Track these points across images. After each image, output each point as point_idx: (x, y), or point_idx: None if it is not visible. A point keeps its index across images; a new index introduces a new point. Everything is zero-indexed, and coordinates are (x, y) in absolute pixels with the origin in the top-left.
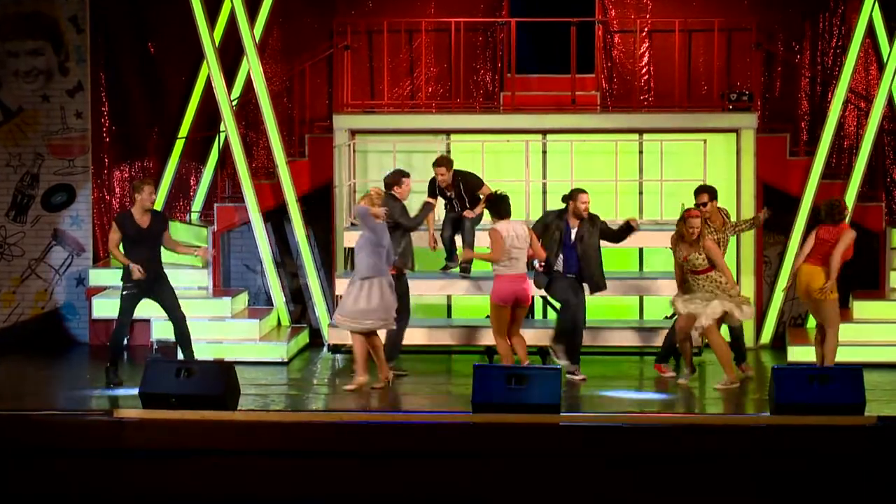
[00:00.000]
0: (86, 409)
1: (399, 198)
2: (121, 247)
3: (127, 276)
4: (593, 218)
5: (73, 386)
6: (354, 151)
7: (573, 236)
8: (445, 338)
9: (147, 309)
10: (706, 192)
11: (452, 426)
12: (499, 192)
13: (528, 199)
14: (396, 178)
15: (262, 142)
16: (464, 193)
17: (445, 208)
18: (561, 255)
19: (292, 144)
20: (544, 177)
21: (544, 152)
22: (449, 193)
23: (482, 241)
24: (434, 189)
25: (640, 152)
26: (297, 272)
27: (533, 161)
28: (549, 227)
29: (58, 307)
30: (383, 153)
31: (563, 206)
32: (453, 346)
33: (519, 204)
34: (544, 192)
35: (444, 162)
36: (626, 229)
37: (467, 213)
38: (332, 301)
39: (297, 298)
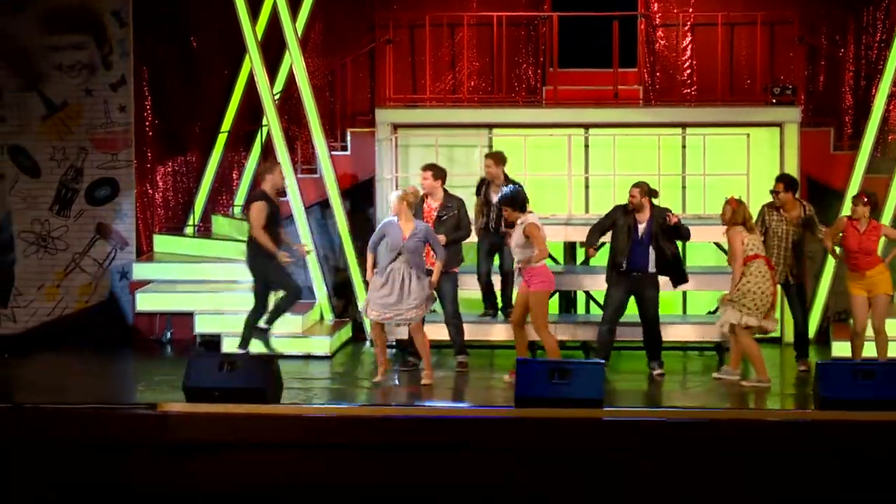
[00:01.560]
0: (130, 403)
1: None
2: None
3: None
4: (659, 211)
5: (118, 380)
6: (397, 146)
7: (642, 231)
8: (489, 333)
9: (190, 302)
10: (782, 182)
11: (495, 421)
12: (516, 184)
13: (570, 194)
14: (441, 173)
15: (305, 136)
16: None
17: (484, 228)
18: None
19: (334, 139)
20: (586, 171)
21: (587, 146)
22: (494, 196)
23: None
24: (481, 189)
25: (683, 146)
26: (339, 266)
27: (575, 155)
28: (616, 223)
29: (109, 300)
30: (425, 147)
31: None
32: (495, 341)
33: (561, 198)
34: (587, 187)
35: (493, 155)
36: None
37: (510, 239)
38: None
39: (340, 293)
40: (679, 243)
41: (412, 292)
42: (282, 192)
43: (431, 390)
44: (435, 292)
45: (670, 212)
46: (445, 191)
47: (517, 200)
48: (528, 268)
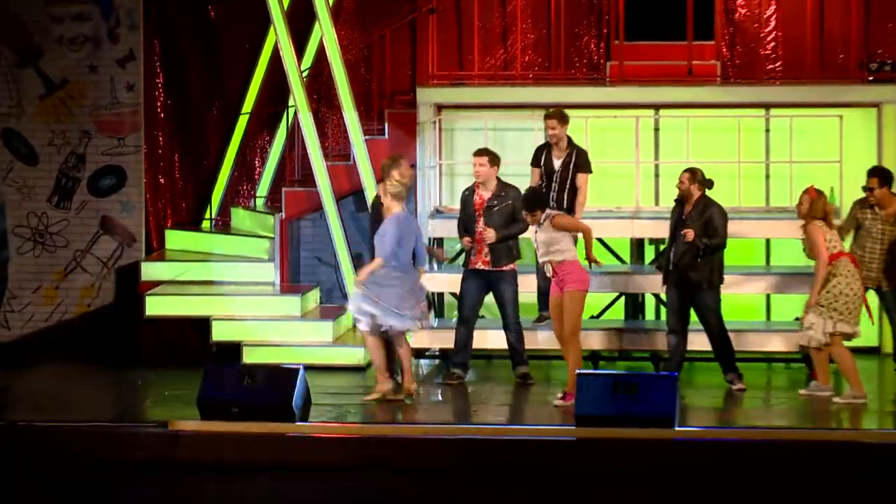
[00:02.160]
0: (138, 421)
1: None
2: None
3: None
4: (707, 205)
5: (124, 394)
6: (440, 129)
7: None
8: (539, 340)
9: (206, 306)
10: (876, 176)
11: (552, 443)
12: (580, 149)
13: (637, 184)
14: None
15: (336, 118)
16: (571, 171)
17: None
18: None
19: (370, 121)
20: (657, 158)
21: (656, 130)
22: (556, 162)
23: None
24: (539, 158)
25: (767, 130)
26: None
27: (643, 140)
28: (670, 219)
29: (115, 303)
30: (473, 131)
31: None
32: (551, 350)
33: (628, 189)
34: (656, 176)
35: (557, 114)
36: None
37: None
38: None
39: None
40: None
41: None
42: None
43: (479, 407)
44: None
45: (717, 210)
46: (499, 179)
47: (538, 199)
48: (562, 264)
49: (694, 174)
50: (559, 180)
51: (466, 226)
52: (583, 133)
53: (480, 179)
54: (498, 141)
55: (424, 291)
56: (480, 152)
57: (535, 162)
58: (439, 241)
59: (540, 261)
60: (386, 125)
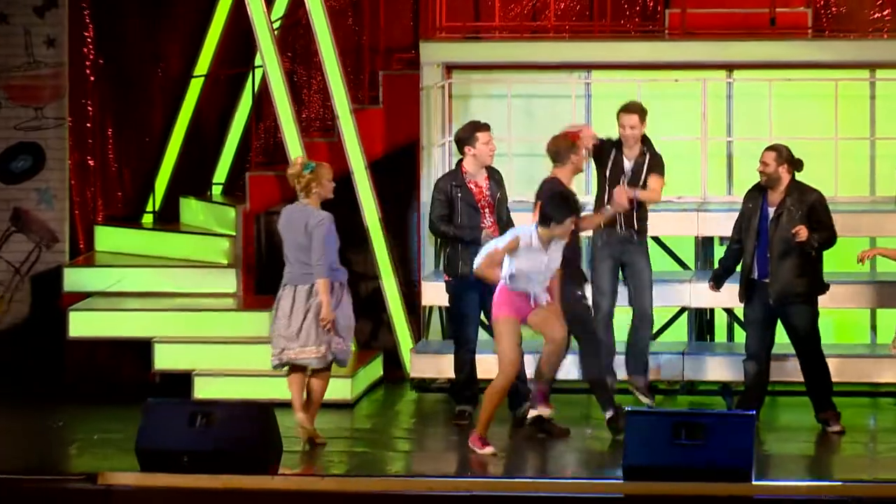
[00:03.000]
0: (60, 473)
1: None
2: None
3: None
4: (802, 190)
5: (41, 437)
6: (451, 96)
7: (770, 218)
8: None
9: (147, 325)
10: None
11: (596, 501)
12: (655, 150)
13: (704, 167)
14: (468, 132)
15: (317, 82)
16: (644, 174)
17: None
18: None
19: (360, 86)
20: (729, 133)
21: (729, 97)
22: (627, 163)
23: None
24: (605, 157)
25: (872, 97)
26: (367, 272)
27: (712, 109)
28: (744, 211)
29: (30, 320)
30: (492, 99)
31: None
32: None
33: (692, 173)
34: (729, 157)
35: (638, 109)
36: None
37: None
38: (417, 314)
39: (368, 310)
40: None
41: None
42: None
43: (504, 455)
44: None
45: (819, 196)
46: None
47: (570, 205)
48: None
49: (780, 153)
50: (628, 184)
51: (464, 223)
52: (634, 100)
53: (492, 161)
54: (525, 111)
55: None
56: (488, 126)
57: (597, 159)
58: (447, 241)
59: (535, 290)
60: (380, 91)
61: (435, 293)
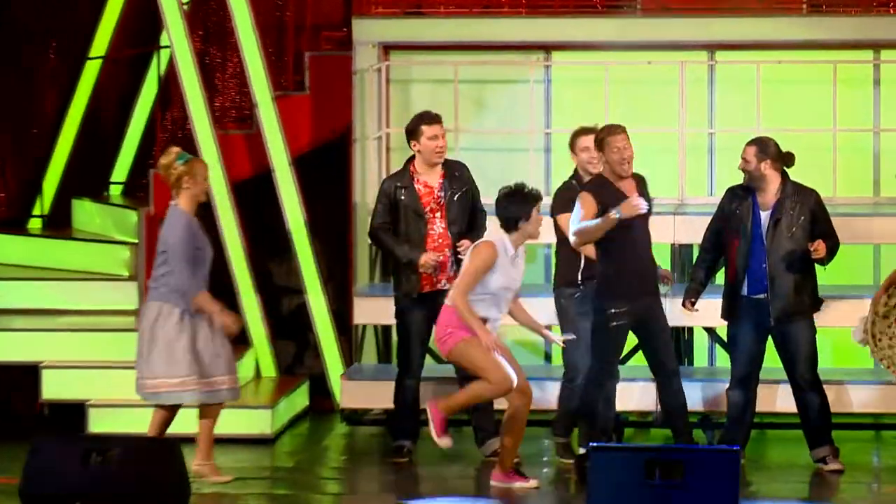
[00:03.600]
0: None
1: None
2: None
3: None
4: (800, 191)
5: None
6: (388, 81)
7: (764, 223)
8: (543, 397)
9: (33, 348)
10: None
11: None
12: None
13: (683, 163)
14: (412, 124)
15: (233, 65)
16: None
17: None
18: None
19: (283, 69)
20: (711, 125)
21: (712, 82)
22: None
23: None
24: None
25: (876, 82)
26: (290, 285)
27: (692, 97)
28: (726, 214)
29: None
30: (437, 84)
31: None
32: (554, 410)
33: (668, 170)
34: (711, 152)
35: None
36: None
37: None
38: (348, 335)
39: (291, 330)
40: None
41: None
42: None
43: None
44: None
45: (818, 196)
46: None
47: (523, 191)
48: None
49: (764, 147)
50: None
51: (407, 233)
52: (601, 86)
53: (438, 159)
54: (474, 99)
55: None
56: (437, 119)
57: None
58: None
59: (495, 317)
60: (306, 75)
61: (370, 310)
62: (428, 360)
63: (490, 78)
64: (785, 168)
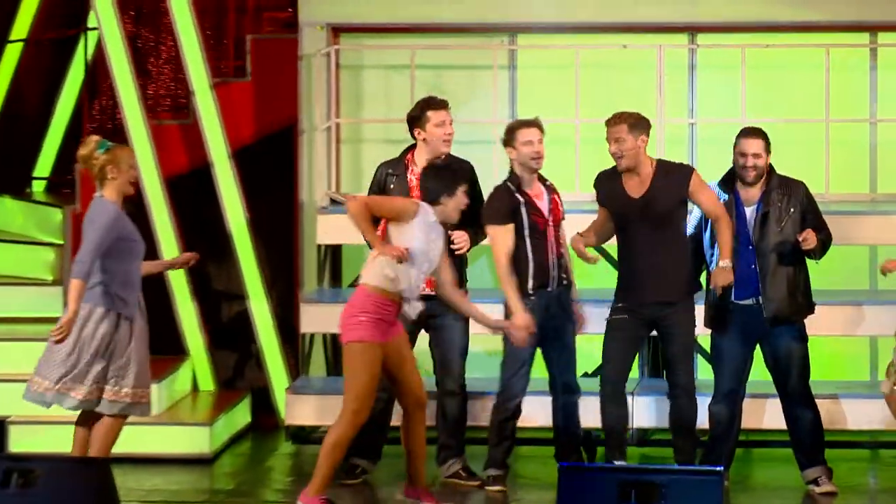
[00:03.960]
0: None
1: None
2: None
3: None
4: (786, 182)
5: None
6: (338, 66)
7: (750, 220)
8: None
9: None
10: None
11: None
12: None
13: (661, 151)
14: (417, 110)
15: (167, 49)
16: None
17: None
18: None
19: (223, 54)
20: (692, 115)
21: (692, 68)
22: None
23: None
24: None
25: (873, 68)
26: (230, 290)
27: (671, 83)
28: (704, 216)
29: None
30: (392, 70)
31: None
32: (533, 426)
33: None
34: (692, 144)
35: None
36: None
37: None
38: (294, 345)
39: (231, 340)
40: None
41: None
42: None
43: None
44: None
45: (806, 187)
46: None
47: (448, 169)
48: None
49: (766, 138)
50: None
51: None
52: (571, 71)
53: (447, 148)
54: (433, 86)
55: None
56: (444, 104)
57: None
58: (336, 251)
59: (413, 295)
60: (248, 60)
61: (318, 317)
62: None
63: (450, 63)
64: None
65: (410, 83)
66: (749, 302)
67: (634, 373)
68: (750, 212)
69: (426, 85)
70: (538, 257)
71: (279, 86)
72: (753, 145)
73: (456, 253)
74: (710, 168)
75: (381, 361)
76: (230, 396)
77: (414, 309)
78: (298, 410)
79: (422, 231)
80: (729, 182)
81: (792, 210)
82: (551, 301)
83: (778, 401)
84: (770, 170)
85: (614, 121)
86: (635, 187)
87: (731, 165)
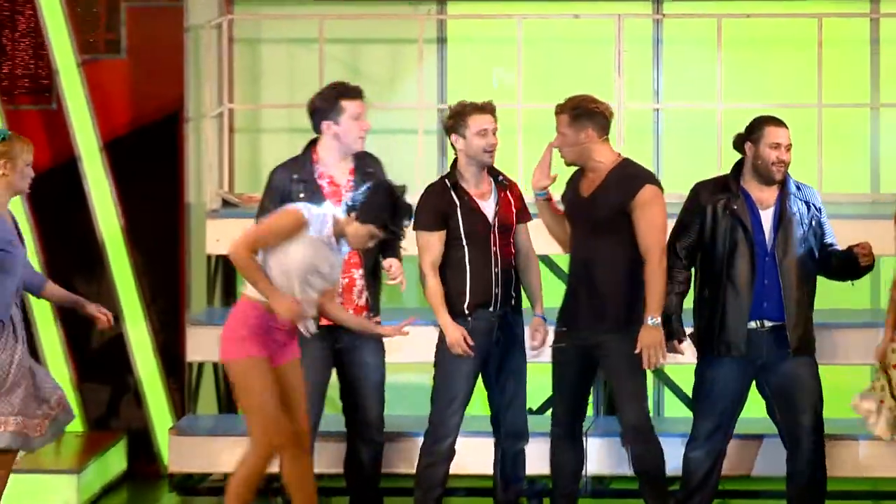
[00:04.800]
0: None
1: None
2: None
3: None
4: (801, 186)
5: None
6: (231, 40)
7: (767, 226)
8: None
9: None
10: None
11: None
12: None
13: (620, 142)
14: (328, 99)
15: (25, 20)
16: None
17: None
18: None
19: (93, 25)
20: (657, 99)
21: (657, 42)
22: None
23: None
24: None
25: (875, 41)
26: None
27: (632, 61)
28: (704, 214)
29: None
30: (297, 45)
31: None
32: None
33: None
34: (657, 134)
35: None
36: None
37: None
38: (179, 376)
39: (103, 371)
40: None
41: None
42: None
43: None
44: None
45: (815, 192)
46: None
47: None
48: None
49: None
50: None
51: None
52: (512, 46)
53: (360, 147)
54: (347, 64)
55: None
56: (360, 92)
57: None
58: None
59: (307, 311)
60: (123, 33)
61: (207, 343)
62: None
63: (366, 36)
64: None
65: (319, 61)
66: (752, 325)
67: (588, 410)
68: (766, 216)
69: (338, 63)
70: (477, 270)
71: (161, 64)
72: (788, 136)
73: (389, 283)
74: (676, 164)
75: (270, 374)
76: (102, 439)
77: (308, 327)
78: (184, 455)
79: (310, 246)
80: (737, 179)
81: (813, 220)
82: (494, 324)
83: (768, 443)
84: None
85: (557, 110)
86: (587, 185)
87: (703, 162)
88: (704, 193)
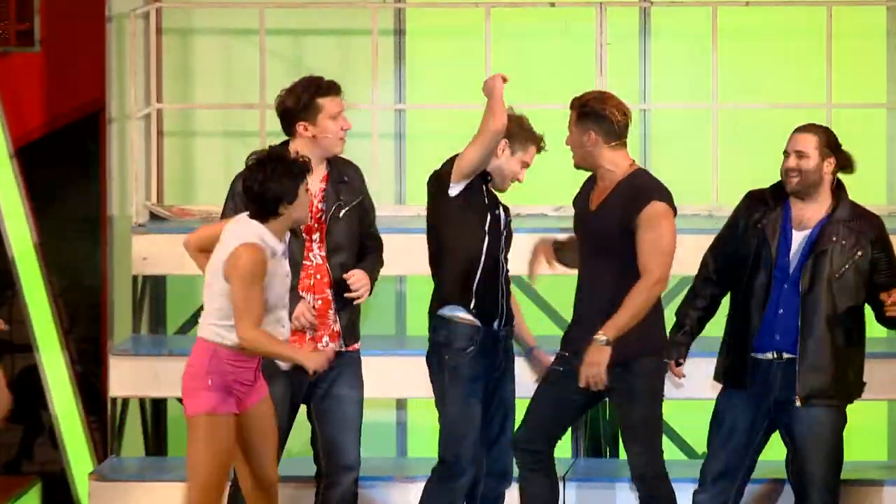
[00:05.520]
0: None
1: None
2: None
3: None
4: (861, 215)
5: None
6: (160, 31)
7: (797, 248)
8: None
9: None
10: None
11: None
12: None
13: None
14: (302, 96)
15: None
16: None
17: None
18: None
19: (3, 14)
20: (644, 99)
21: (644, 35)
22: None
23: None
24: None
25: (891, 33)
26: (11, 340)
27: (616, 55)
28: (736, 226)
29: None
30: (234, 36)
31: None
32: None
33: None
34: (644, 138)
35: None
36: None
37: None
38: (101, 414)
39: (14, 407)
40: None
41: None
42: None
43: None
44: None
45: (881, 222)
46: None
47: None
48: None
49: (828, 137)
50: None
51: None
52: (479, 39)
53: (339, 149)
54: (287, 59)
55: None
56: (337, 88)
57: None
58: (159, 285)
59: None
60: (36, 23)
61: (133, 375)
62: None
63: (312, 27)
64: (840, 175)
65: (259, 55)
66: (768, 356)
67: (567, 451)
68: (799, 238)
69: (280, 58)
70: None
71: (79, 58)
72: (799, 141)
73: (354, 303)
74: (666, 171)
75: (234, 435)
76: (13, 484)
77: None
78: (106, 502)
79: (275, 275)
80: (779, 192)
81: (859, 254)
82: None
83: (772, 485)
84: (839, 188)
85: (570, 104)
86: (596, 196)
87: (695, 170)
88: (746, 202)
